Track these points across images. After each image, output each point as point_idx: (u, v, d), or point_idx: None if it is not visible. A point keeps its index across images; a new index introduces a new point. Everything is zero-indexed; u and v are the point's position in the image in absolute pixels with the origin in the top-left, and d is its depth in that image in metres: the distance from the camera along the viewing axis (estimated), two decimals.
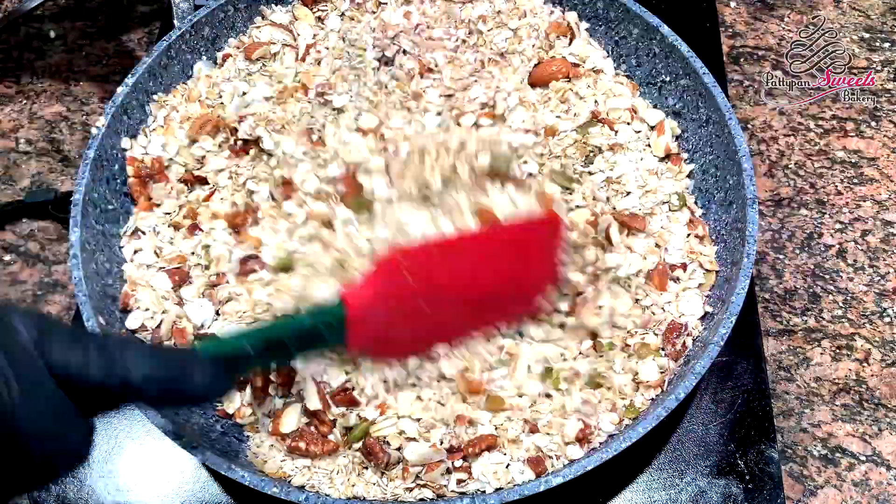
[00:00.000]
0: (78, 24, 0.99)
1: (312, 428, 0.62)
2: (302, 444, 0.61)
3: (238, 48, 0.80)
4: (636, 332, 0.66)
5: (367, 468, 0.61)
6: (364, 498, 0.60)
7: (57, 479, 0.41)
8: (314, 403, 0.61)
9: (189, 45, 0.78)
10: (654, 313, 0.67)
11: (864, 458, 0.71)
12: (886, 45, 0.96)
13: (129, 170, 0.72)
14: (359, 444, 0.61)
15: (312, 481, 0.60)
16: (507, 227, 0.61)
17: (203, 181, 0.72)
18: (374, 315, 0.55)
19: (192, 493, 0.66)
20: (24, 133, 0.90)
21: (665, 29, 0.77)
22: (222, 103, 0.76)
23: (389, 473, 0.61)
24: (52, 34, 0.98)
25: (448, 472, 0.60)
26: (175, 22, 0.89)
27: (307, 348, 0.55)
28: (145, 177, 0.72)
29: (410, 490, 0.60)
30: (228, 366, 0.49)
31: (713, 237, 0.72)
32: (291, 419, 0.62)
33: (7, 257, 0.81)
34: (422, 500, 0.60)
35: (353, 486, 0.60)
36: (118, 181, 0.73)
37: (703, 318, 0.67)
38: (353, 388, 0.62)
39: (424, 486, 0.60)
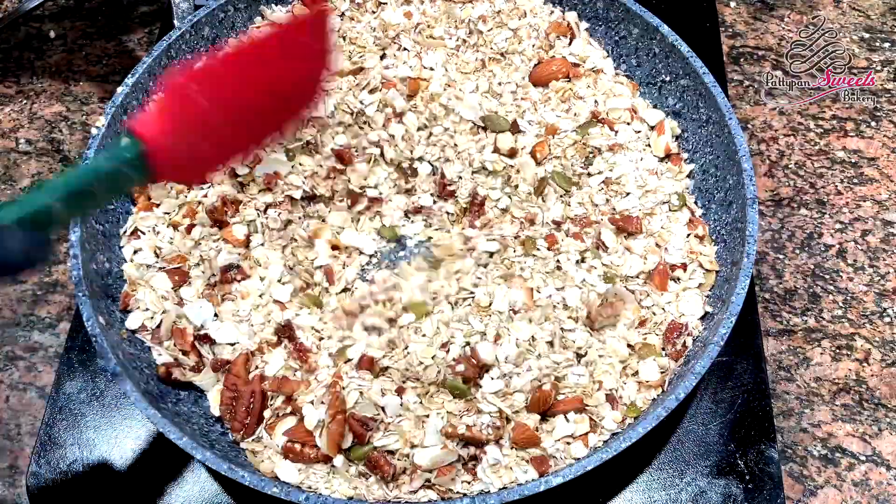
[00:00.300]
0: (78, 24, 0.99)
1: (299, 447, 0.61)
2: (297, 446, 0.61)
3: None
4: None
5: (369, 477, 0.61)
6: (365, 499, 0.60)
7: None
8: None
9: (189, 45, 0.78)
10: (654, 313, 0.67)
11: (864, 458, 0.71)
12: (886, 45, 0.96)
13: None
14: (361, 460, 0.61)
15: (309, 482, 0.60)
16: (279, 31, 0.62)
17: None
18: (171, 140, 0.54)
19: (192, 493, 0.66)
20: (24, 133, 0.90)
21: (665, 29, 0.77)
22: None
23: (395, 482, 0.60)
24: (52, 34, 0.98)
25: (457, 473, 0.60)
26: (175, 22, 0.89)
27: (113, 190, 0.56)
28: None
29: (414, 492, 0.60)
30: (38, 225, 0.49)
31: (713, 237, 0.72)
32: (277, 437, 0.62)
33: None
34: (426, 501, 0.60)
35: (354, 488, 0.60)
36: None
37: (703, 318, 0.67)
38: (371, 428, 0.60)
39: (429, 487, 0.60)
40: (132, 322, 0.66)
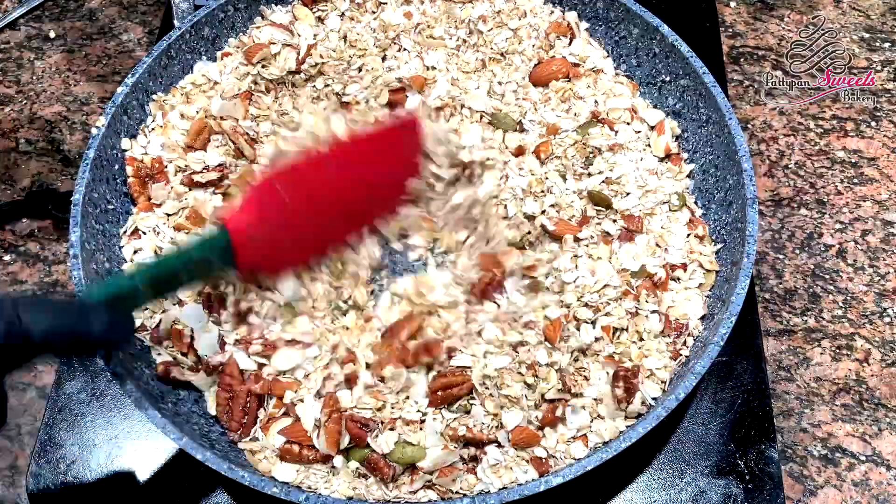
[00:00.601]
0: (78, 24, 0.99)
1: (297, 448, 0.61)
2: (295, 448, 0.61)
3: (238, 48, 0.80)
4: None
5: (368, 477, 0.61)
6: (365, 499, 0.60)
7: None
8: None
9: (189, 45, 0.78)
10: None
11: (864, 458, 0.71)
12: (886, 45, 0.96)
13: (129, 170, 0.72)
14: (358, 461, 0.61)
15: (309, 482, 0.60)
16: (371, 134, 0.63)
17: (204, 185, 0.73)
18: (257, 235, 0.57)
19: (192, 493, 0.66)
20: (24, 133, 0.90)
21: (665, 29, 0.77)
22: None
23: (395, 482, 0.60)
24: (52, 34, 0.98)
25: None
26: (175, 22, 0.89)
27: (198, 277, 0.57)
28: (145, 177, 0.72)
29: (414, 493, 0.60)
30: (123, 305, 0.51)
31: (713, 237, 0.72)
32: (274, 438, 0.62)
33: (7, 257, 0.81)
34: (426, 501, 0.60)
35: (353, 488, 0.60)
36: (118, 181, 0.73)
37: (703, 318, 0.67)
38: (370, 429, 0.60)
39: (430, 487, 0.60)
40: None
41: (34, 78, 0.94)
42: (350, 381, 0.62)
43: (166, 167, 0.73)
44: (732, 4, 1.00)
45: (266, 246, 0.58)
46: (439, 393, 0.61)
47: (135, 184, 0.72)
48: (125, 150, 0.74)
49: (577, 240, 0.69)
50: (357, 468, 0.60)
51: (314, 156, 0.60)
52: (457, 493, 0.60)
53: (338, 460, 0.60)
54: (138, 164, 0.73)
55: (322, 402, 0.61)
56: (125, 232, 0.71)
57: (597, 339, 0.64)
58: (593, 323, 0.65)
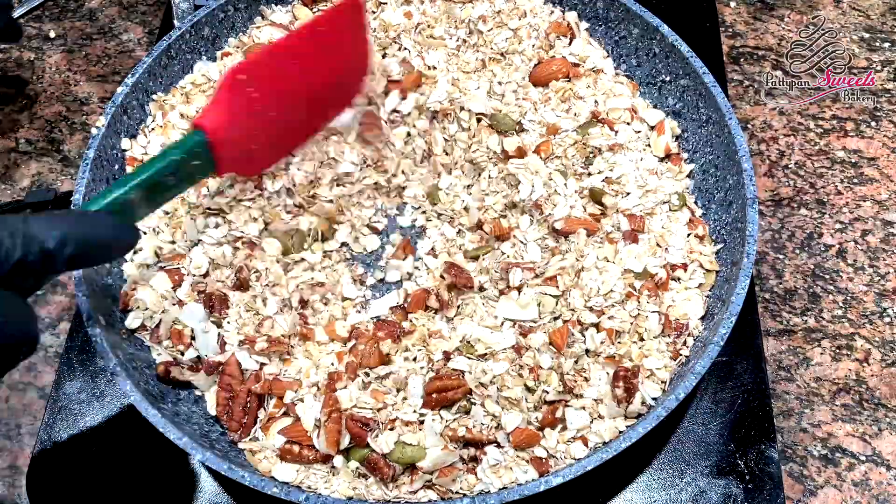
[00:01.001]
0: (78, 24, 0.99)
1: (297, 448, 0.61)
2: (295, 448, 0.61)
3: (238, 48, 0.80)
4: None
5: (368, 477, 0.61)
6: (365, 499, 0.60)
7: (13, 364, 0.45)
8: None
9: (189, 45, 0.78)
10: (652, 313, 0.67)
11: (864, 458, 0.71)
12: (886, 45, 0.96)
13: (129, 170, 0.72)
14: (358, 461, 0.61)
15: (309, 481, 0.60)
16: (316, 19, 0.66)
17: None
18: (231, 132, 0.59)
19: (192, 493, 0.66)
20: (24, 133, 0.90)
21: (665, 29, 0.77)
22: None
23: (395, 482, 0.60)
24: (52, 34, 0.98)
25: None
26: (175, 22, 0.89)
27: (184, 180, 0.59)
28: None
29: (414, 493, 0.60)
30: (122, 214, 0.54)
31: (713, 237, 0.72)
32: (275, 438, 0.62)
33: None
34: (426, 501, 0.60)
35: (353, 488, 0.60)
36: None
37: (703, 318, 0.67)
38: (370, 428, 0.60)
39: (430, 487, 0.60)
40: (132, 322, 0.66)
41: (34, 78, 0.94)
42: (350, 370, 0.62)
43: None
44: (732, 4, 1.00)
45: (241, 143, 0.60)
46: (434, 395, 0.61)
47: None
48: (125, 150, 0.74)
49: (589, 234, 0.69)
50: (357, 468, 0.60)
51: (270, 47, 0.62)
52: (457, 493, 0.60)
53: (338, 460, 0.60)
54: (138, 165, 0.73)
55: (322, 402, 0.61)
56: None
57: (600, 342, 0.64)
58: (596, 326, 0.65)
